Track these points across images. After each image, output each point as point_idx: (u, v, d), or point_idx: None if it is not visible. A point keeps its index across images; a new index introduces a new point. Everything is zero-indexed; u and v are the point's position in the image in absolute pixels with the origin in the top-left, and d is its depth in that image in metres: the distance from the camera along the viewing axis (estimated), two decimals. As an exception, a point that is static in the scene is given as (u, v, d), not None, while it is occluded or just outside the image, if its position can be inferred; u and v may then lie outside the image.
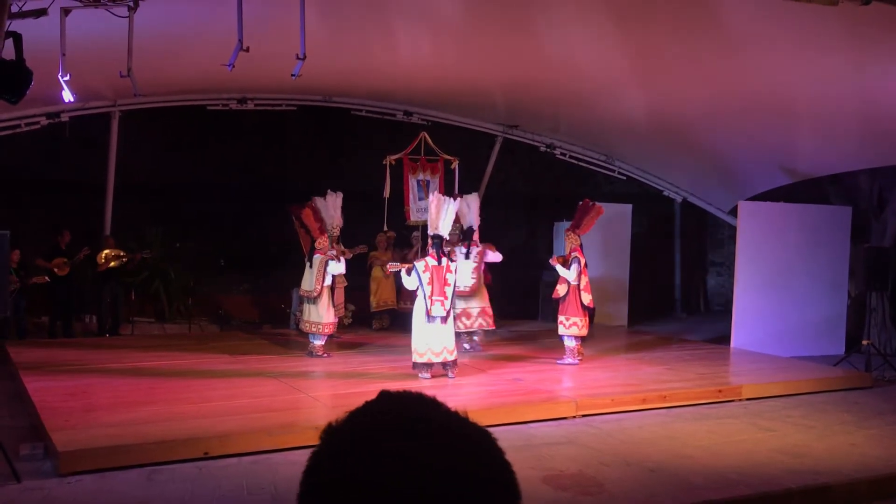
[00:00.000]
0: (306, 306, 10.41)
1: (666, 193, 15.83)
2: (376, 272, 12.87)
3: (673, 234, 17.07)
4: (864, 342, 10.88)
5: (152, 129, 13.56)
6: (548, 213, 15.77)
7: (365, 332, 12.65)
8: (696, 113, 11.60)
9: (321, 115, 14.33)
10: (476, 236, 11.13)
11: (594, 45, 9.40)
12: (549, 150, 15.12)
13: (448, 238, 9.73)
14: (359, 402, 0.92)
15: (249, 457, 6.44)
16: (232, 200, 14.11)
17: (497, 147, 15.04)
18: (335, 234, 10.97)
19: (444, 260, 9.09)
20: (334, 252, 10.47)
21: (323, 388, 8.88)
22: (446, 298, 8.92)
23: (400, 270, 9.50)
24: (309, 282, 10.31)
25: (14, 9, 6.05)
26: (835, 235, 12.44)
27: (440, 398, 0.92)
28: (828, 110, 10.28)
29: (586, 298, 10.02)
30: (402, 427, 0.86)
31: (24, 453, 6.36)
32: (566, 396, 8.41)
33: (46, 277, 11.45)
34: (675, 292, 17.07)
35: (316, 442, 0.90)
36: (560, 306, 10.11)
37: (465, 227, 11.11)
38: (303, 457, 0.89)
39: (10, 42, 5.77)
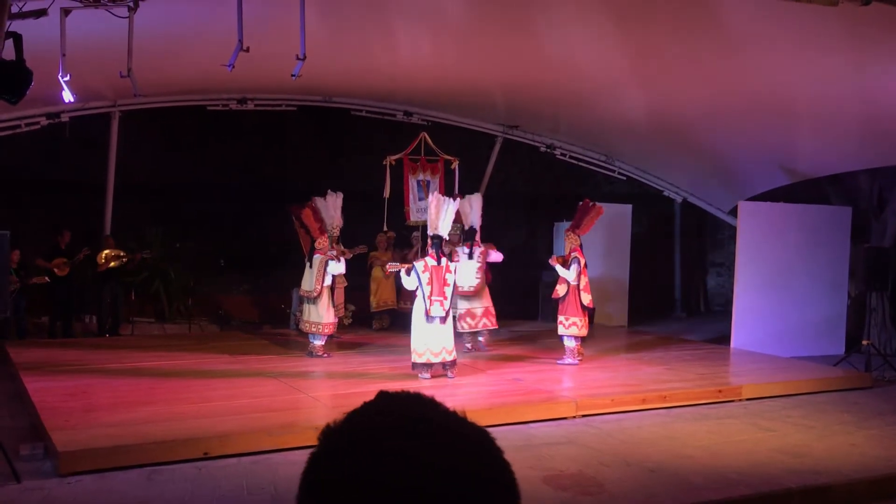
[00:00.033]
0: (306, 306, 10.41)
1: (666, 193, 15.83)
2: (376, 272, 12.87)
3: (673, 235, 17.07)
4: (864, 342, 10.87)
5: (152, 129, 13.57)
6: (548, 214, 15.77)
7: (365, 332, 12.66)
8: (697, 113, 11.60)
9: (321, 116, 14.34)
10: (478, 236, 11.14)
11: (594, 45, 9.40)
12: (549, 150, 15.12)
13: (448, 238, 9.73)
14: (359, 402, 0.92)
15: (249, 457, 6.44)
16: (232, 200, 14.11)
17: (497, 147, 15.04)
18: (335, 235, 10.98)
19: (444, 260, 9.09)
20: (334, 252, 10.47)
21: (323, 389, 8.88)
22: (445, 299, 8.92)
23: (399, 270, 9.50)
24: (309, 282, 10.31)
25: (14, 9, 6.05)
26: (835, 235, 12.44)
27: (440, 398, 0.92)
28: (828, 110, 10.28)
29: (586, 299, 10.02)
30: (401, 427, 0.85)
31: (24, 453, 6.36)
32: (566, 396, 8.40)
33: (46, 278, 11.45)
34: (675, 292, 17.07)
35: (316, 442, 0.90)
36: (560, 306, 10.12)
37: (467, 227, 11.12)
38: (303, 457, 0.89)
39: (10, 42, 5.77)
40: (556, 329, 10.20)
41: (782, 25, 7.90)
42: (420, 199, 11.92)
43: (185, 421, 7.01)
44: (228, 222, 14.30)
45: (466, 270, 10.77)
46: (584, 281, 10.03)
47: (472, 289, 10.84)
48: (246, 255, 13.88)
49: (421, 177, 12.10)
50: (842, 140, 11.43)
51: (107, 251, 12.15)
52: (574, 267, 9.98)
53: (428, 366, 8.90)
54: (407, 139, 12.27)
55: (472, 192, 11.45)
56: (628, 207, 14.71)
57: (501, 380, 9.22)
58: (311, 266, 10.32)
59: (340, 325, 11.48)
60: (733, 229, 13.74)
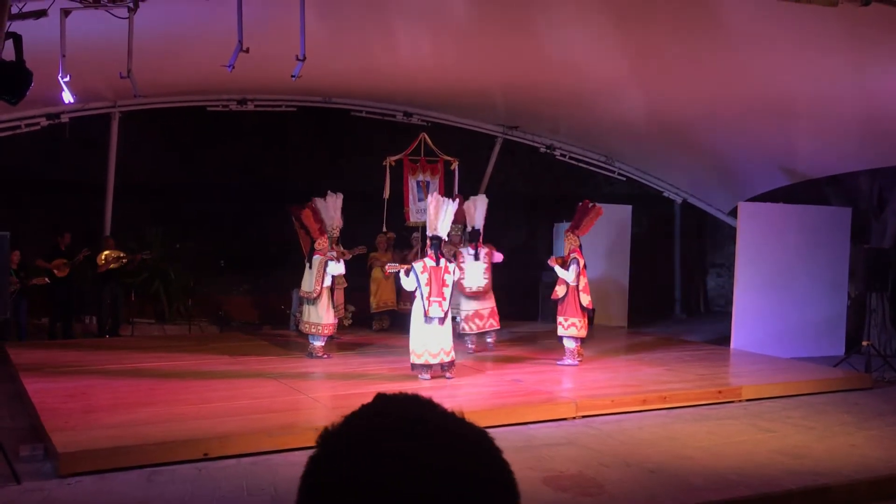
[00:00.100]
0: (306, 307, 10.41)
1: (666, 194, 15.83)
2: (376, 273, 12.87)
3: (673, 235, 17.07)
4: (864, 343, 10.87)
5: (152, 129, 13.58)
6: (548, 214, 15.77)
7: (365, 332, 12.65)
8: (696, 113, 11.60)
9: (321, 116, 14.34)
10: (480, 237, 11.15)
11: (594, 45, 9.40)
12: (548, 150, 15.13)
13: (448, 239, 9.73)
14: (359, 403, 0.91)
15: (249, 458, 6.44)
16: (232, 201, 14.12)
17: (497, 148, 15.04)
18: (335, 235, 10.98)
19: (443, 261, 9.08)
20: (334, 253, 10.47)
21: (323, 389, 8.87)
22: (444, 299, 8.92)
23: (398, 271, 9.51)
24: (308, 283, 10.31)
25: (14, 10, 6.05)
26: (835, 236, 12.44)
27: (440, 399, 0.92)
28: (828, 110, 10.28)
29: (585, 299, 10.02)
30: (399, 428, 0.85)
31: (24, 454, 6.36)
32: (566, 397, 8.40)
33: (46, 279, 11.46)
34: (674, 293, 17.07)
35: (315, 443, 0.89)
36: (559, 307, 10.12)
37: (470, 229, 11.13)
38: (303, 458, 0.89)
39: (10, 43, 5.77)
40: (555, 330, 10.21)
41: (782, 26, 7.91)
42: (420, 200, 11.91)
43: (184, 422, 7.01)
44: (228, 223, 14.31)
45: (473, 271, 10.78)
46: (583, 282, 10.04)
47: (480, 289, 10.88)
48: (246, 256, 13.89)
49: (421, 177, 12.10)
50: (842, 140, 11.42)
51: (107, 252, 12.15)
52: (573, 268, 9.98)
53: (427, 367, 8.89)
54: (407, 140, 12.27)
55: (471, 193, 11.46)
56: (628, 208, 14.71)
57: (501, 380, 9.22)
58: (310, 267, 10.32)
59: (340, 326, 11.48)
60: (733, 230, 13.73)
